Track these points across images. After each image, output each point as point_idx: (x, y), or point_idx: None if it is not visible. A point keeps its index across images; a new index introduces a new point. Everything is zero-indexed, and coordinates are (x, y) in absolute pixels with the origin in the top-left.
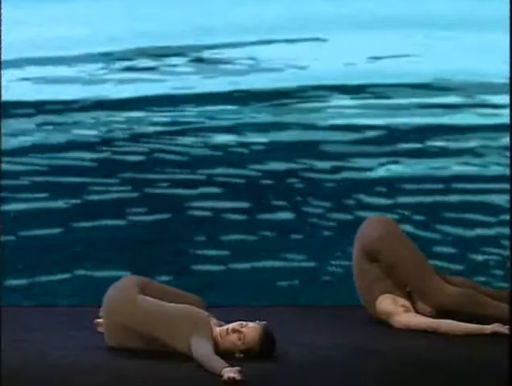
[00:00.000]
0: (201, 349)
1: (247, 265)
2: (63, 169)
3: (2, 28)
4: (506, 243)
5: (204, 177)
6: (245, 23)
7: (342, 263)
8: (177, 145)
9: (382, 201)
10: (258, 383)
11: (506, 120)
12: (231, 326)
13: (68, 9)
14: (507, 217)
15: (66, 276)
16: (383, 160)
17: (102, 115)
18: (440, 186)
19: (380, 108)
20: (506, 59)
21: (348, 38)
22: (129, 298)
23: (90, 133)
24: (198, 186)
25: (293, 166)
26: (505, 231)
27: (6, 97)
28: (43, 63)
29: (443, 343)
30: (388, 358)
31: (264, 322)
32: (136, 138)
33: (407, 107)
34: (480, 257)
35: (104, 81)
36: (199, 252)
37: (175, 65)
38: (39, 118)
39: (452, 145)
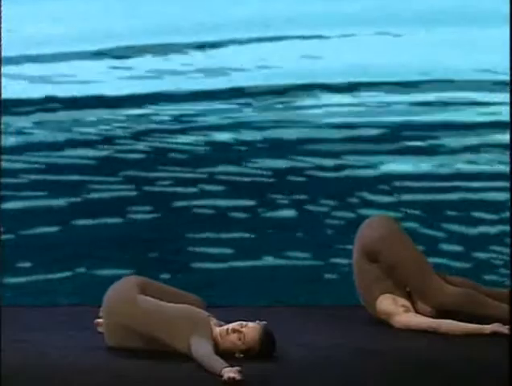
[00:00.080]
0: (201, 349)
1: (248, 263)
2: (62, 167)
3: (2, 26)
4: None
5: (204, 175)
6: (246, 20)
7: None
8: (177, 143)
9: (385, 199)
10: (258, 383)
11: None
12: (231, 326)
13: (67, 6)
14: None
15: (66, 274)
16: (386, 158)
17: (102, 113)
18: (444, 183)
19: (380, 106)
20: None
21: (348, 35)
22: (129, 298)
23: (89, 131)
24: (199, 185)
25: (295, 163)
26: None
27: (4, 95)
28: (42, 60)
29: (443, 343)
30: (388, 358)
31: (264, 322)
32: (136, 136)
33: (409, 104)
34: (485, 255)
35: (103, 79)
36: (199, 250)
37: (173, 62)
38: (38, 116)
39: (456, 142)
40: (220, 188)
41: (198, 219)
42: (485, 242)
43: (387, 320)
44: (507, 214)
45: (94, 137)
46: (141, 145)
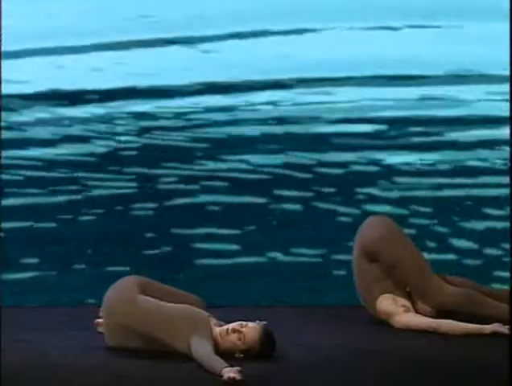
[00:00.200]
0: (201, 349)
1: (252, 260)
2: (61, 163)
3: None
4: None
5: (206, 171)
6: (242, 13)
7: None
8: (179, 139)
9: (391, 194)
10: (258, 383)
11: None
12: (231, 326)
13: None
14: None
15: (67, 272)
16: (393, 152)
17: (99, 108)
18: (452, 179)
19: (387, 100)
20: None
21: (348, 29)
22: (129, 298)
23: (88, 127)
24: (202, 181)
25: (298, 160)
26: None
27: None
28: (41, 53)
29: (443, 343)
30: (388, 358)
31: (264, 322)
32: (136, 132)
33: (417, 99)
34: (497, 252)
35: (98, 73)
36: (202, 246)
37: (171, 54)
38: (35, 112)
39: (464, 137)
40: (223, 184)
41: (201, 215)
42: (496, 238)
43: (387, 320)
44: None
45: (92, 134)
46: (142, 141)
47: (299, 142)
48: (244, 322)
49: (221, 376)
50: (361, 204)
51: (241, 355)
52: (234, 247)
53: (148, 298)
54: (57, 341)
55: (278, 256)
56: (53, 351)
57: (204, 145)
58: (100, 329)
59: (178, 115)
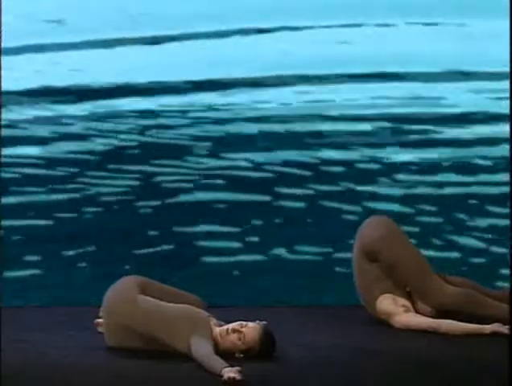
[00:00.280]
0: (201, 349)
1: (255, 257)
2: (61, 161)
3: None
4: None
5: (207, 168)
6: (241, 10)
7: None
8: (180, 135)
9: (396, 192)
10: (258, 383)
11: None
12: (231, 326)
13: None
14: None
15: (69, 269)
16: (395, 150)
17: (98, 105)
18: (458, 177)
19: (390, 98)
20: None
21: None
22: (129, 298)
23: (87, 125)
24: (203, 177)
25: (303, 156)
26: None
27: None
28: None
29: (443, 343)
30: (388, 358)
31: (264, 322)
32: (137, 129)
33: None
34: (503, 250)
35: (97, 70)
36: (205, 244)
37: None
38: (31, 109)
39: (466, 134)
40: (225, 182)
41: (203, 213)
42: (502, 236)
43: (387, 320)
44: None
45: (92, 132)
46: (144, 138)
47: (300, 140)
48: (244, 322)
49: (221, 376)
50: (364, 202)
51: (241, 355)
52: (236, 245)
53: (148, 298)
54: (57, 341)
55: (280, 254)
56: (53, 351)
57: (206, 142)
58: (100, 329)
59: (179, 112)
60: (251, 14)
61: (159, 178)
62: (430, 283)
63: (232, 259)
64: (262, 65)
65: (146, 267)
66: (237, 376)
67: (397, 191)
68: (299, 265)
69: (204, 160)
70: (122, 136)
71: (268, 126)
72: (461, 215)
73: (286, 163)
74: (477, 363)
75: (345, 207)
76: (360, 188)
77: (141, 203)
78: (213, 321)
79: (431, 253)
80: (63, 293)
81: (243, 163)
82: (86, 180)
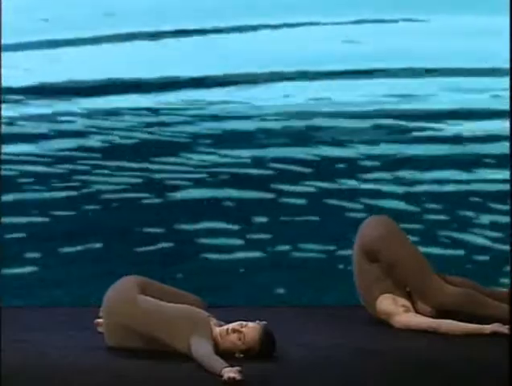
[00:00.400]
0: (201, 349)
1: (256, 255)
2: (60, 158)
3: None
4: None
5: (208, 164)
6: (239, 7)
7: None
8: (181, 132)
9: (399, 190)
10: (258, 383)
11: None
12: (231, 326)
13: None
14: None
15: (70, 267)
16: (395, 147)
17: (98, 102)
18: (463, 173)
19: (390, 96)
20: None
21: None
22: (129, 298)
23: (87, 121)
24: (202, 174)
25: (304, 155)
26: None
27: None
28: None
29: (443, 343)
30: (388, 358)
31: (264, 322)
32: (148, 124)
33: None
34: (507, 247)
35: (97, 67)
36: (206, 241)
37: (172, 46)
38: (31, 106)
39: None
40: (226, 178)
41: (203, 210)
42: (505, 233)
43: (387, 320)
44: None
45: (91, 129)
46: (146, 134)
47: (299, 137)
48: (244, 322)
49: (221, 376)
50: (365, 199)
51: (241, 355)
52: (237, 242)
53: (148, 298)
54: (57, 341)
55: (282, 252)
56: (53, 351)
57: (206, 139)
58: (100, 329)
59: (179, 108)
60: (250, 10)
61: (160, 176)
62: (430, 283)
63: (233, 256)
64: (261, 62)
65: (146, 265)
66: (237, 376)
67: (399, 189)
68: (303, 263)
69: (205, 157)
70: (122, 133)
71: (268, 123)
72: (465, 213)
73: (286, 160)
74: (477, 363)
75: (347, 204)
76: (362, 186)
77: (141, 201)
78: (213, 321)
79: (434, 251)
80: (63, 291)
81: (243, 160)
82: (85, 178)
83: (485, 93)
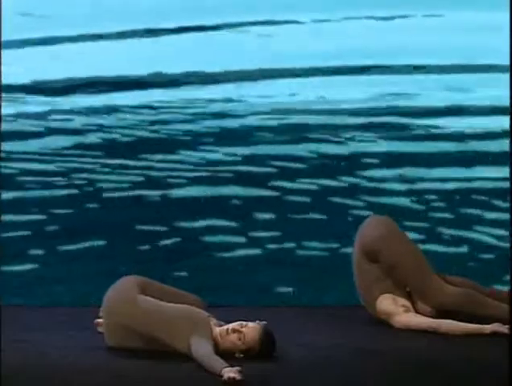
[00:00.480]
0: (201, 349)
1: (258, 252)
2: (61, 156)
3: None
4: None
5: (208, 162)
6: (238, 4)
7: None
8: (182, 129)
9: (401, 187)
10: (258, 383)
11: None
12: (231, 326)
13: None
14: None
15: (71, 264)
16: (395, 145)
17: (97, 99)
18: (464, 171)
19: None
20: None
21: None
22: (129, 298)
23: (86, 119)
24: (202, 172)
25: (304, 152)
26: None
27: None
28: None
29: (443, 343)
30: (388, 358)
31: (264, 322)
32: (151, 122)
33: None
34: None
35: (96, 64)
36: (209, 239)
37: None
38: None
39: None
40: (227, 176)
41: (207, 207)
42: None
43: (387, 320)
44: None
45: (90, 127)
46: (148, 132)
47: (300, 135)
48: (244, 322)
49: (221, 376)
50: (367, 197)
51: (241, 355)
52: (239, 239)
53: (148, 298)
54: (57, 341)
55: (283, 250)
56: (53, 351)
57: (203, 137)
58: (100, 329)
59: (181, 106)
60: (250, 8)
61: (161, 173)
62: (430, 283)
63: (233, 254)
64: (261, 59)
65: (148, 263)
66: (237, 376)
67: (402, 186)
68: (305, 261)
69: (207, 154)
70: (124, 130)
71: (270, 121)
72: (469, 210)
73: (287, 158)
74: (477, 363)
75: (349, 202)
76: (364, 183)
77: (143, 198)
78: (213, 321)
79: (437, 249)
80: (63, 289)
81: (243, 158)
82: (86, 175)
83: (485, 90)
